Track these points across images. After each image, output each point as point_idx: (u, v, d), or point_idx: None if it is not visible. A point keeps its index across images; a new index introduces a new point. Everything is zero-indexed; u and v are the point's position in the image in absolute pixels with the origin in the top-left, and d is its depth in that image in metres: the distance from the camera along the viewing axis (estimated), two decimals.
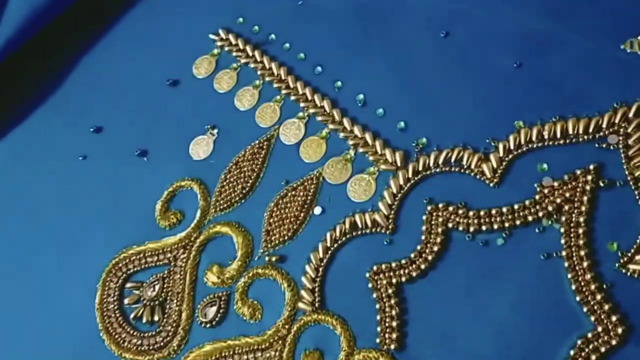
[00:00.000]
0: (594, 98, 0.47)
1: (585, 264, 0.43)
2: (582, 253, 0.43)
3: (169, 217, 0.56)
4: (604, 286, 0.42)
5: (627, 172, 0.44)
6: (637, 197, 0.43)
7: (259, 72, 0.59)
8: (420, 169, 0.49)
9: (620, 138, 0.45)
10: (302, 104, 0.55)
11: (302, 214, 0.51)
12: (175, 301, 0.53)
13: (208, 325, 0.51)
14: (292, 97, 0.56)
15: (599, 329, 0.41)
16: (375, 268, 0.48)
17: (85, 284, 0.55)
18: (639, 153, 0.44)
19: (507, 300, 0.44)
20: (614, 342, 0.41)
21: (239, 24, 0.62)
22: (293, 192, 0.53)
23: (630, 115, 0.45)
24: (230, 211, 0.54)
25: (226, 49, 0.61)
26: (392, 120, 0.52)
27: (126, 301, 0.54)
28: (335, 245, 0.49)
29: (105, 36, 0.68)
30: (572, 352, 0.41)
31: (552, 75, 0.49)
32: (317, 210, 0.51)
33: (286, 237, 0.51)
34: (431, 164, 0.49)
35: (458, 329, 0.45)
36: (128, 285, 0.55)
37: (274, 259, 0.51)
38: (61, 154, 0.63)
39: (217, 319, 0.51)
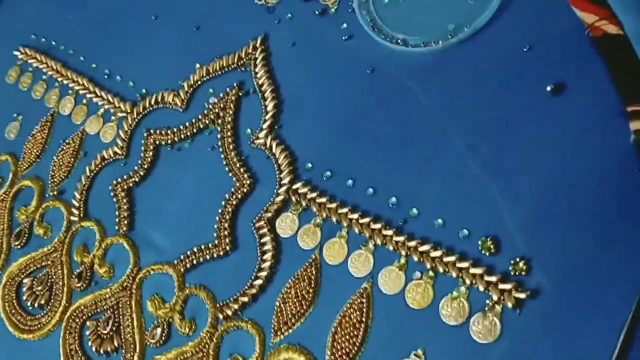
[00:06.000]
0: (240, 39, 0.69)
1: (231, 146, 0.64)
2: (230, 140, 0.65)
3: None
4: (243, 158, 0.63)
5: (255, 83, 0.66)
6: (261, 100, 0.65)
7: (44, 70, 0.81)
8: (141, 110, 0.71)
9: (252, 62, 0.67)
10: (71, 85, 0.78)
11: (73, 160, 0.73)
12: None
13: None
14: (65, 82, 0.78)
15: (238, 185, 0.62)
16: (114, 182, 0.69)
17: None
18: (263, 69, 0.66)
19: (191, 182, 0.65)
20: (246, 190, 0.62)
21: (33, 40, 0.85)
22: (66, 147, 0.74)
23: (258, 45, 0.67)
24: (31, 169, 0.76)
25: (25, 59, 0.84)
26: (125, 82, 0.74)
27: None
28: (92, 174, 0.71)
29: None
30: (223, 203, 0.62)
31: (217, 29, 0.71)
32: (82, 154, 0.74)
33: (64, 178, 0.73)
34: (147, 106, 0.71)
35: (166, 209, 0.66)
36: None
37: (56, 192, 0.73)
38: None
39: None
